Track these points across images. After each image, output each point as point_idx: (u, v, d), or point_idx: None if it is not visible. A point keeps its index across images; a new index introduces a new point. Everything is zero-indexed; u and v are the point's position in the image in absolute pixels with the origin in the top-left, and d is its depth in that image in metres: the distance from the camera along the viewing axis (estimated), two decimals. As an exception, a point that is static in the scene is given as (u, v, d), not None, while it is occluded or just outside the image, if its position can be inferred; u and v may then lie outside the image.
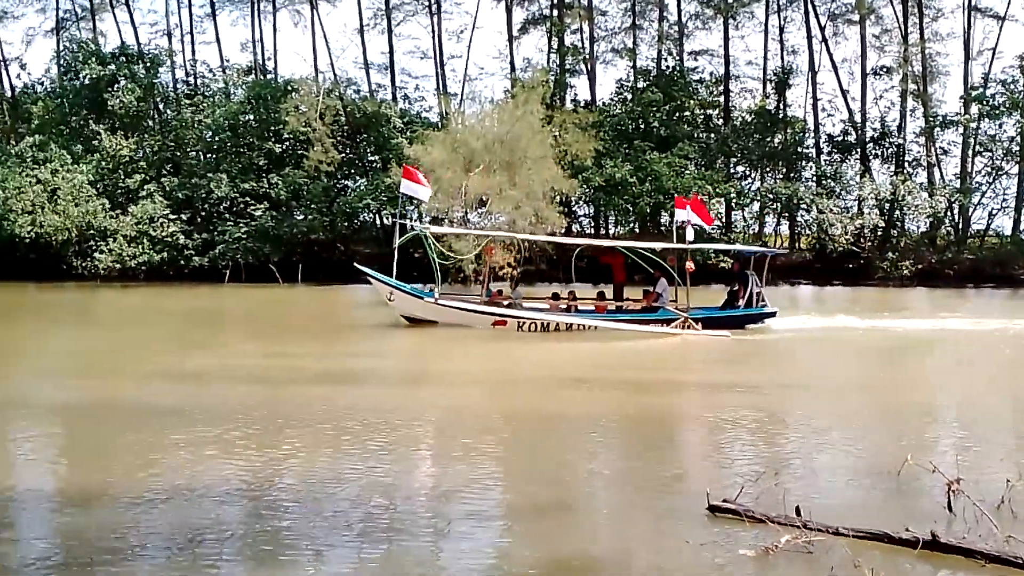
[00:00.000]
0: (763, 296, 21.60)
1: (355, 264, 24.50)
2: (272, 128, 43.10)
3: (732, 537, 6.43)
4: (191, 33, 50.85)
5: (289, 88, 44.06)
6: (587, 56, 47.97)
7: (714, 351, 18.71)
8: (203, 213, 42.27)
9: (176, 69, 49.01)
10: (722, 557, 6.10)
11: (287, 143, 43.45)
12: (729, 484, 7.52)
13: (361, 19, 48.42)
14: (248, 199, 41.58)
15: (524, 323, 20.00)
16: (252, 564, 6.12)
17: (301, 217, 42.20)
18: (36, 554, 6.20)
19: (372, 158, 45.04)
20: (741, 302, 21.31)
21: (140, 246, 39.85)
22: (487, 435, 10.15)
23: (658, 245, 22.83)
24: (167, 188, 41.86)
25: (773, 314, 21.58)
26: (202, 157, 44.64)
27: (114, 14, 49.43)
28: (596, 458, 9.41)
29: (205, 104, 45.42)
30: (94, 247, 39.45)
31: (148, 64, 45.56)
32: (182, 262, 40.60)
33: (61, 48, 50.21)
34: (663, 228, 44.39)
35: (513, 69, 47.78)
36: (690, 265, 20.90)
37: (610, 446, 10.07)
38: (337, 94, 44.63)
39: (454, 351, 18.41)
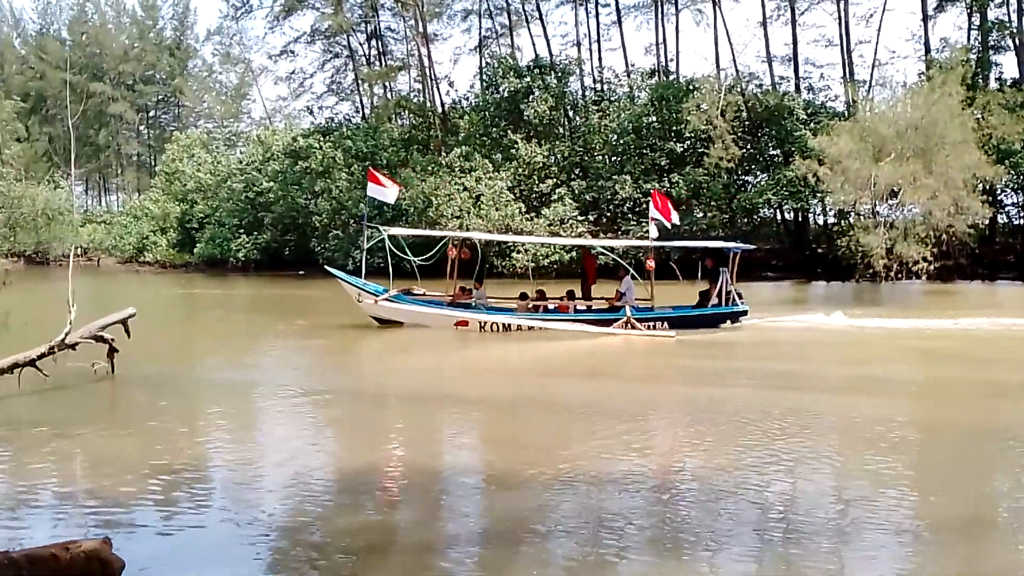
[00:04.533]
0: (735, 294, 20.76)
1: (326, 266, 23.77)
2: (674, 128, 43.82)
3: None
4: (598, 41, 53.34)
5: (691, 87, 44.54)
6: (1015, 30, 43.41)
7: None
8: (608, 214, 44.01)
9: (584, 77, 51.55)
10: None
11: (688, 142, 43.95)
12: None
13: (764, 12, 47.74)
14: (650, 199, 42.64)
15: (485, 324, 19.76)
16: (652, 554, 6.40)
17: (701, 215, 42.50)
18: (467, 529, 7.01)
19: (773, 152, 44.25)
20: (713, 300, 20.66)
21: (552, 246, 42.41)
22: (890, 443, 9.67)
23: (619, 243, 21.61)
24: (576, 191, 44.15)
25: (745, 312, 20.85)
26: (607, 160, 46.45)
27: (529, 29, 53.10)
28: (1017, 472, 8.66)
29: (611, 109, 47.25)
30: (512, 247, 42.65)
31: (559, 74, 48.30)
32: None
33: (483, 64, 54.88)
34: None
35: (928, 50, 44.53)
36: (650, 264, 20.70)
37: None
38: (738, 89, 44.37)
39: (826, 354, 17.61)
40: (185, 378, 14.74)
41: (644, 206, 42.57)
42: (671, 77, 49.02)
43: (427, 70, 54.02)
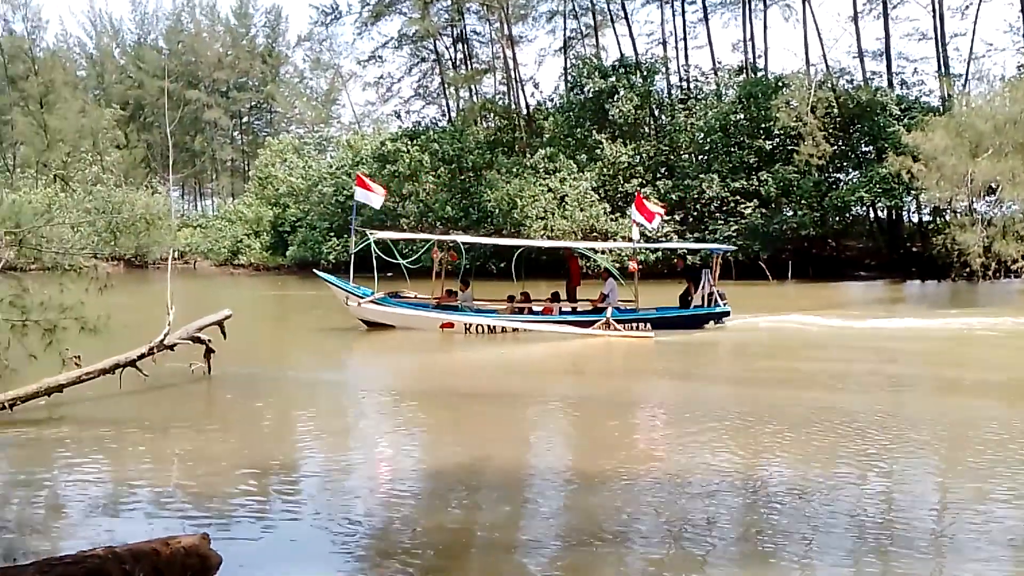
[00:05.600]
0: (717, 295, 21.03)
1: (315, 271, 23.71)
2: (762, 125, 43.20)
3: None
4: (684, 39, 52.90)
5: (780, 84, 43.86)
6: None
7: None
8: (695, 213, 43.59)
9: (670, 75, 51.16)
10: None
11: (777, 139, 43.30)
12: None
13: (855, 6, 46.71)
14: (738, 197, 42.15)
15: (471, 326, 19.96)
16: (738, 559, 6.33)
17: (791, 213, 41.79)
18: (551, 529, 7.03)
19: (866, 149, 43.29)
20: (696, 301, 21.03)
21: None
22: (1009, 447, 9.36)
23: (599, 245, 21.54)
24: (661, 191, 43.79)
25: (727, 313, 21.14)
26: (694, 159, 46.02)
27: (614, 29, 52.94)
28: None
29: (697, 107, 46.80)
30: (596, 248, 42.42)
31: (645, 73, 48.01)
32: (675, 261, 42.15)
33: (568, 65, 54.87)
34: None
35: (1029, 41, 43.07)
36: (632, 265, 21.03)
37: None
38: (829, 85, 43.50)
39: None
40: (279, 378, 15.10)
41: (732, 205, 42.21)
42: (759, 74, 48.34)
43: (512, 72, 54.25)
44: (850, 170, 44.02)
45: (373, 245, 21.00)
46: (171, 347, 13.03)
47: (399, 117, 64.31)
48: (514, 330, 19.98)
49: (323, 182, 57.83)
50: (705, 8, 52.79)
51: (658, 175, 45.45)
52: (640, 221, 21.40)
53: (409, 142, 51.51)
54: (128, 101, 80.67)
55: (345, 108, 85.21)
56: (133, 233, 11.35)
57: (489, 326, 20.01)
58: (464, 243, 22.37)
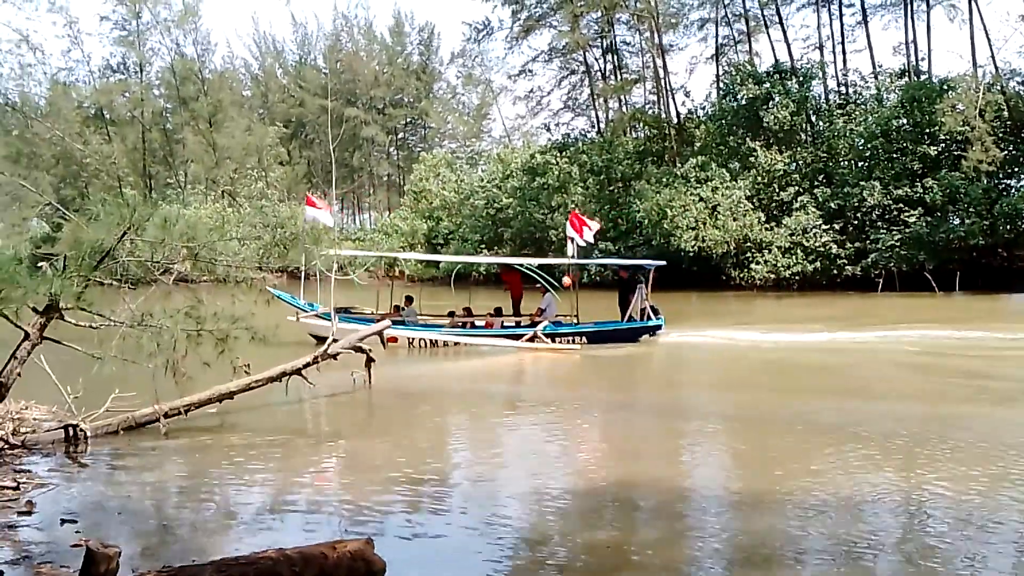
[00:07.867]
0: (651, 310, 21.28)
1: (267, 287, 22.88)
2: (927, 130, 41.32)
3: None
4: (842, 43, 51.20)
5: (945, 87, 41.87)
6: None
7: None
8: (855, 222, 42.03)
9: (827, 80, 49.61)
10: None
11: (943, 144, 41.30)
12: None
13: (1027, 2, 44.19)
14: (901, 205, 40.42)
15: (413, 340, 20.40)
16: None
17: (958, 222, 39.77)
18: (712, 550, 6.92)
19: (1040, 154, 40.82)
20: (631, 313, 21.30)
21: (794, 256, 41.05)
22: None
23: (535, 261, 22.23)
24: (819, 199, 42.48)
25: (660, 327, 21.42)
26: (854, 166, 44.42)
27: (768, 34, 51.74)
28: None
29: (857, 112, 45.21)
30: (750, 259, 41.57)
31: (801, 79, 46.73)
32: (834, 271, 40.87)
33: (720, 72, 54.01)
34: None
35: None
36: (567, 280, 21.45)
37: None
38: (999, 87, 41.25)
39: None
40: (438, 387, 15.44)
41: (895, 213, 40.52)
42: (923, 77, 46.27)
43: (662, 81, 53.79)
44: (1022, 176, 41.57)
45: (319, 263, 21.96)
46: (334, 356, 13.51)
47: (548, 130, 64.84)
48: (456, 344, 20.51)
49: (474, 195, 58.76)
50: (864, 11, 51.08)
51: (815, 183, 44.06)
52: (572, 236, 21.62)
53: (558, 154, 51.74)
54: (290, 119, 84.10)
55: (496, 122, 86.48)
56: (300, 246, 11.84)
57: (432, 340, 20.60)
58: (406, 260, 23.25)
